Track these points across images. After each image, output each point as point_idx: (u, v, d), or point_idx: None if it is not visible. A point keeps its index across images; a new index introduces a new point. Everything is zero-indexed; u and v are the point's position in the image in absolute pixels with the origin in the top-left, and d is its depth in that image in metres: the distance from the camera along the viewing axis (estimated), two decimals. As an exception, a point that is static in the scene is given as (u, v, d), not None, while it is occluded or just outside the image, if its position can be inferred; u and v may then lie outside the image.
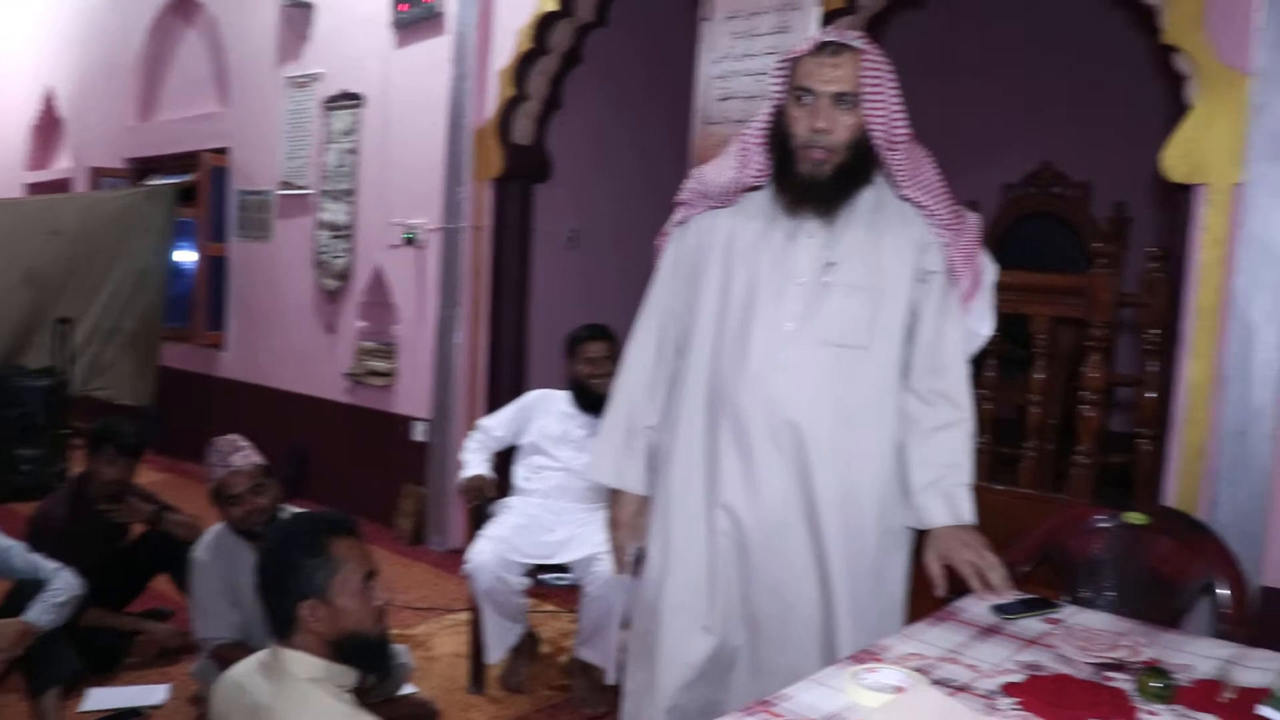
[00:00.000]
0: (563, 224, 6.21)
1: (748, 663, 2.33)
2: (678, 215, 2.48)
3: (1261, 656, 1.85)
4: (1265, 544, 3.23)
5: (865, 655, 1.76)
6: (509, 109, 5.42)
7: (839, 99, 2.18)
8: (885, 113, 2.19)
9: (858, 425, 2.26)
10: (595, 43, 5.58)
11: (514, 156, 5.50)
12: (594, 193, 6.38)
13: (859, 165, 2.24)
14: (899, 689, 1.58)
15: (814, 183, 2.22)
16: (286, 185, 6.79)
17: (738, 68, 4.12)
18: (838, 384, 2.25)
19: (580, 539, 3.70)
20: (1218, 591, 2.58)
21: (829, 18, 4.00)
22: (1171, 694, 1.61)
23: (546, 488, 3.90)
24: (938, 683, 1.64)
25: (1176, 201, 3.74)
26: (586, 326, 4.04)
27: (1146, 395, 3.90)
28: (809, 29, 3.94)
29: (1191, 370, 3.40)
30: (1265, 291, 3.24)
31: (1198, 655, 1.85)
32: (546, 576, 3.76)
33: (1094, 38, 6.42)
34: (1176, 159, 3.41)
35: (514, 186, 5.64)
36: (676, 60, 5.05)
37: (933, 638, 1.88)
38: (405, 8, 5.90)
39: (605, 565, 3.45)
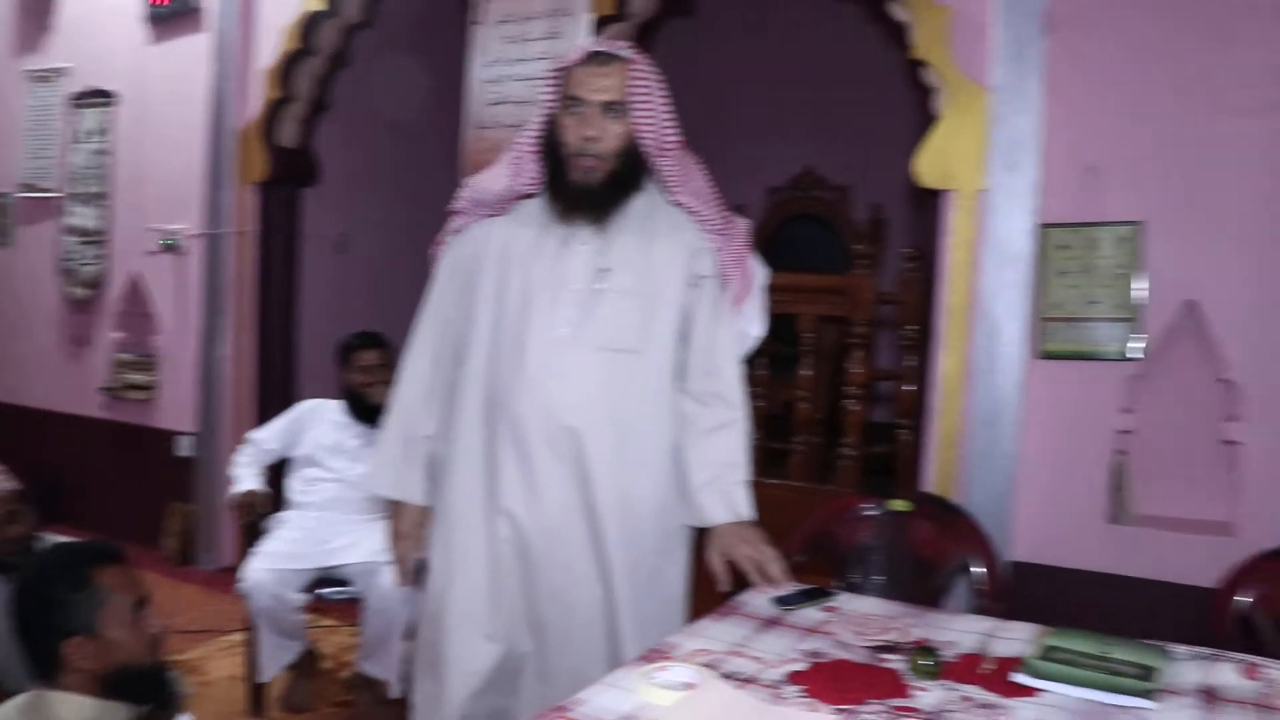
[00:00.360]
0: (331, 229, 6.05)
1: (535, 668, 2.35)
2: (453, 223, 2.48)
3: (1016, 628, 2.01)
4: (1014, 523, 3.50)
5: (655, 654, 1.81)
6: (274, 110, 5.24)
7: (608, 108, 2.23)
8: (654, 121, 2.26)
9: (634, 428, 2.32)
10: (363, 44, 5.48)
11: (280, 159, 5.32)
12: (364, 197, 6.24)
13: (630, 172, 2.29)
14: (690, 685, 1.63)
15: (585, 190, 2.26)
16: (28, 188, 6.33)
17: (509, 72, 4.13)
18: (613, 388, 2.29)
19: (359, 550, 3.63)
20: (973, 570, 2.78)
21: (600, 25, 4.06)
22: (939, 670, 1.73)
23: (322, 500, 3.80)
24: (726, 676, 1.70)
25: (928, 205, 3.99)
26: (359, 334, 3.97)
27: (905, 388, 4.15)
28: (580, 36, 3.99)
29: (945, 364, 3.64)
30: (1007, 290, 3.50)
31: (960, 631, 1.99)
32: (325, 591, 3.67)
33: (852, 49, 6.75)
34: (927, 166, 3.65)
35: (280, 190, 5.46)
36: (447, 63, 5.02)
37: (718, 633, 1.95)
38: (160, 1, 5.61)
39: (386, 577, 3.40)
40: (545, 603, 2.31)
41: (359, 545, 3.64)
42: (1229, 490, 3.42)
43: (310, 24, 5.03)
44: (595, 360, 2.28)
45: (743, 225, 2.44)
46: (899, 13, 3.72)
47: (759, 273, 2.48)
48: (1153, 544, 3.41)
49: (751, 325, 2.48)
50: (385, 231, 6.30)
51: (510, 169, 2.35)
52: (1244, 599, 2.41)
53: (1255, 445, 3.35)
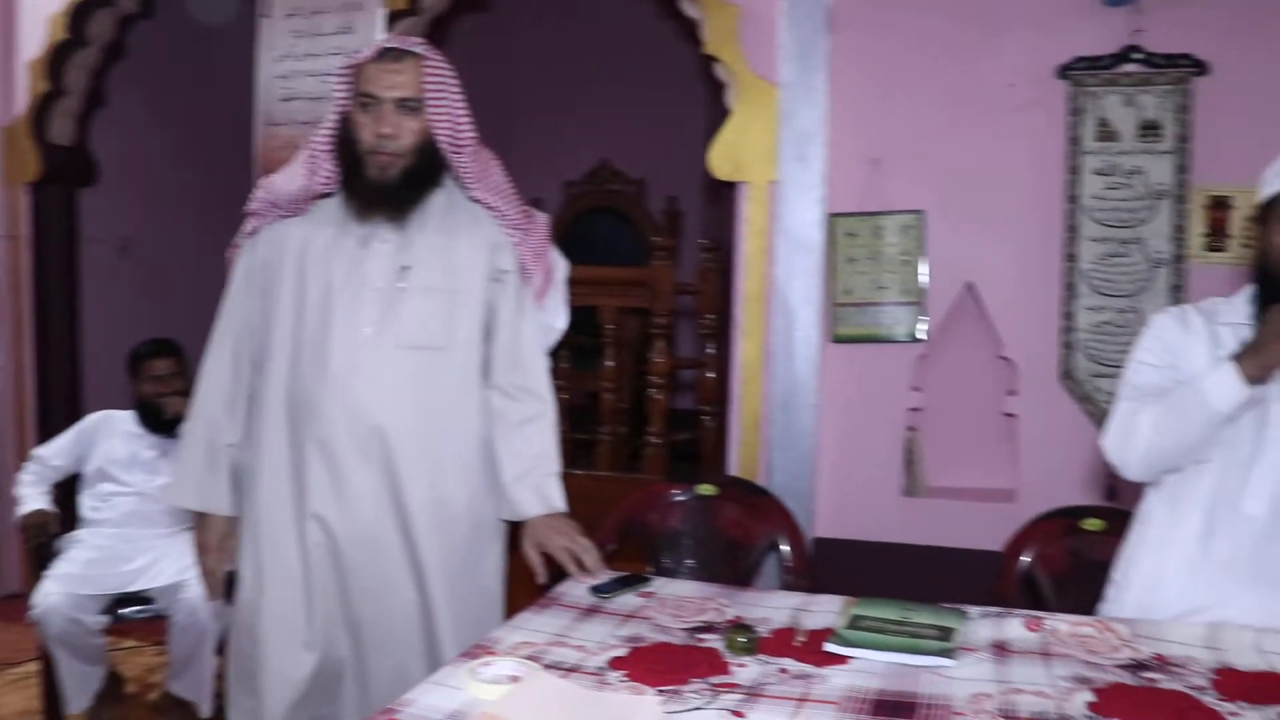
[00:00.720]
0: (113, 232, 5.73)
1: (354, 672, 2.31)
2: (248, 226, 2.40)
3: (824, 601, 2.10)
4: (815, 501, 3.65)
5: (478, 649, 1.81)
6: (43, 105, 4.91)
7: (403, 104, 2.21)
8: (449, 117, 2.25)
9: (441, 425, 2.30)
10: (142, 35, 5.21)
11: (52, 158, 4.99)
12: (149, 197, 5.94)
13: (426, 169, 2.27)
14: (515, 678, 1.64)
15: (382, 187, 2.23)
16: None
17: (301, 67, 4.02)
18: (419, 386, 2.27)
19: (162, 566, 3.47)
20: (781, 548, 2.88)
21: (393, 19, 4.00)
22: (755, 646, 1.79)
23: (118, 516, 3.61)
24: (550, 667, 1.72)
25: (723, 197, 4.10)
26: (149, 342, 3.79)
27: (707, 375, 4.26)
28: (373, 29, 3.92)
29: (744, 350, 3.76)
30: (800, 278, 3.64)
31: (772, 608, 2.06)
32: (126, 610, 3.49)
33: (647, 44, 6.84)
34: (720, 158, 3.75)
35: (54, 191, 5.12)
36: (235, 57, 4.83)
37: (539, 624, 1.96)
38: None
39: (193, 591, 3.27)
40: (361, 605, 2.27)
41: (161, 562, 3.48)
42: (1010, 460, 3.67)
43: (80, 12, 4.73)
44: (400, 358, 2.25)
45: (542, 219, 2.46)
46: (690, 10, 3.81)
47: (560, 266, 2.50)
48: (944, 513, 3.63)
49: (555, 318, 2.50)
50: (174, 234, 6.01)
51: (305, 168, 2.29)
52: (1025, 559, 2.59)
53: (1028, 417, 3.60)
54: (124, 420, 3.73)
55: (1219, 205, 3.44)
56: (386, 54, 2.22)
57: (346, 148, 2.24)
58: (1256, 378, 1.90)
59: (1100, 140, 3.50)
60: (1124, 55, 3.47)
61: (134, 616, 3.50)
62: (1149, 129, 3.46)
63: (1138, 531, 2.20)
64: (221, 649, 3.43)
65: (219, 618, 3.26)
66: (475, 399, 2.34)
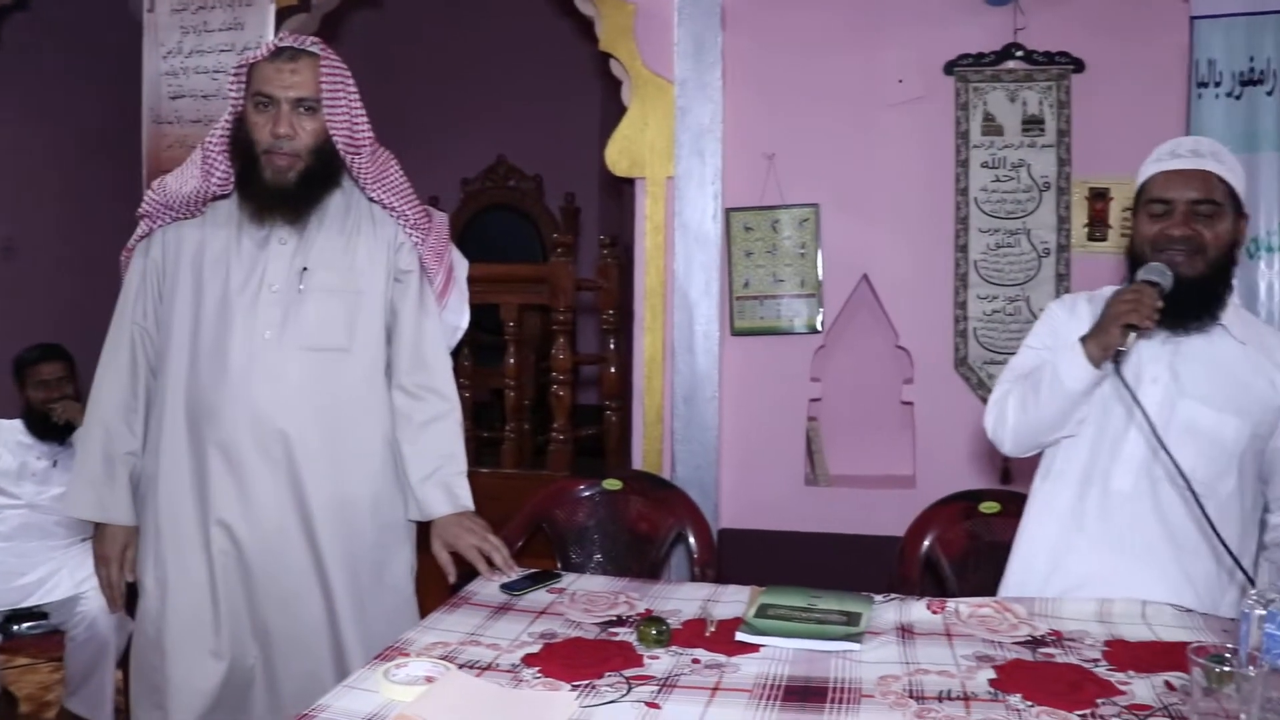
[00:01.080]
0: (-5, 231, 5.53)
1: (264, 679, 2.27)
2: (140, 229, 2.34)
3: (732, 590, 2.14)
4: (719, 492, 3.69)
5: (392, 651, 1.80)
6: (-91, 103, 4.73)
7: (299, 104, 2.18)
8: (347, 117, 2.23)
9: (345, 427, 2.29)
10: (15, 28, 5.02)
11: (-80, 158, 4.81)
12: (29, 197, 5.72)
13: (324, 170, 2.25)
14: (430, 679, 1.64)
15: (279, 189, 2.20)
16: None
17: (190, 64, 3.91)
18: (321, 388, 2.25)
19: (58, 580, 3.37)
20: (688, 540, 2.91)
21: (282, 15, 3.92)
22: (668, 638, 1.81)
23: (9, 529, 3.50)
24: (464, 666, 1.71)
25: (621, 193, 4.12)
26: (36, 347, 3.67)
27: (609, 371, 4.28)
28: (264, 26, 3.84)
29: (645, 345, 3.79)
30: (699, 272, 3.68)
31: (682, 599, 2.09)
32: (19, 627, 3.38)
33: (543, 41, 6.82)
34: (617, 155, 3.77)
35: (-76, 192, 4.94)
36: (120, 53, 4.68)
37: (451, 624, 1.96)
38: None
39: (92, 604, 3.18)
40: (269, 611, 2.24)
41: (57, 575, 3.37)
42: (908, 447, 3.76)
43: (-54, 7, 4.56)
44: (301, 361, 2.23)
45: (441, 219, 2.45)
46: (585, 8, 3.81)
47: (460, 265, 2.50)
48: (846, 501, 3.70)
49: (458, 317, 2.49)
50: (59, 234, 5.80)
51: (200, 170, 2.25)
52: (926, 543, 2.66)
53: (925, 404, 3.69)
54: (12, 429, 3.61)
55: (1098, 197, 3.58)
56: (282, 53, 2.19)
57: (242, 149, 2.21)
58: (1099, 358, 2.01)
59: (986, 134, 3.61)
60: (1006, 53, 3.58)
61: (28, 633, 3.39)
62: (1032, 124, 3.58)
63: (1026, 511, 2.30)
64: (122, 663, 3.35)
65: (119, 630, 3.18)
66: (379, 400, 2.33)
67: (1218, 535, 1.89)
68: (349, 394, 2.28)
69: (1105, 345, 1.99)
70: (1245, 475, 2.08)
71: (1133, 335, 1.97)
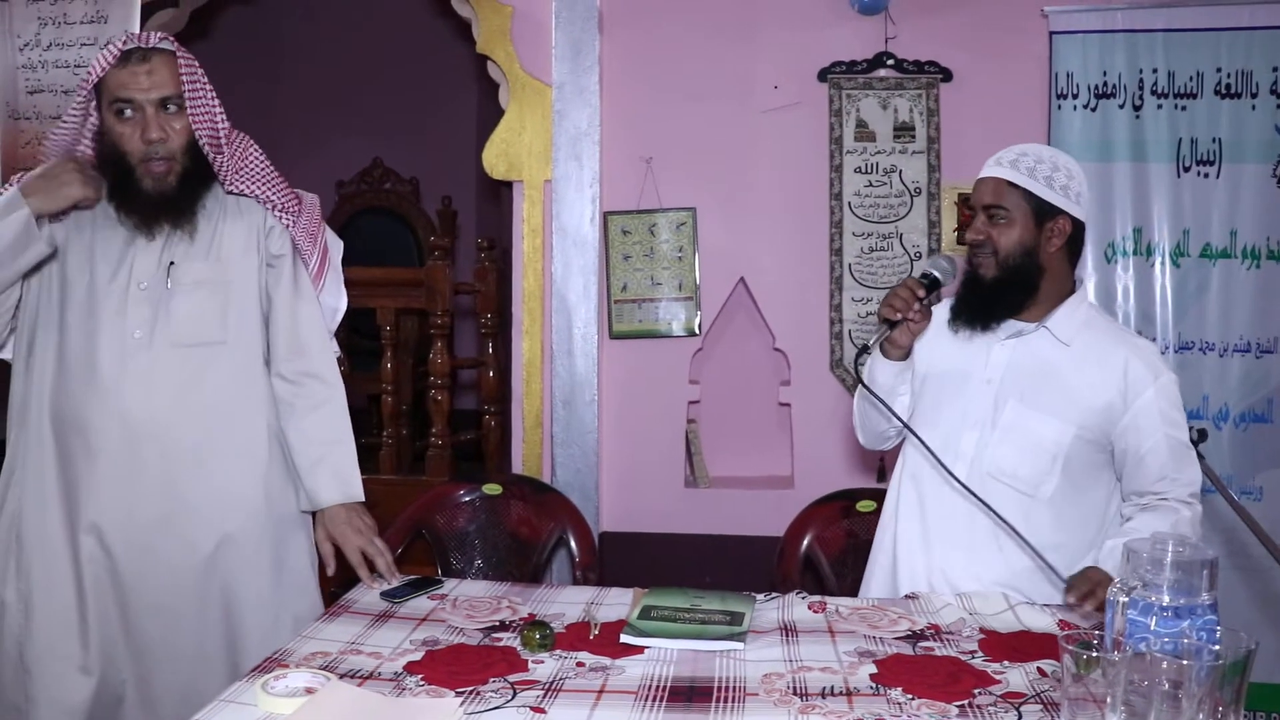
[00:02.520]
0: None
1: (138, 695, 2.18)
2: None
3: (615, 593, 2.13)
4: (600, 495, 3.69)
5: (271, 663, 1.75)
6: None
7: (164, 104, 2.11)
8: (208, 111, 2.16)
9: (225, 422, 2.21)
10: None
11: None
12: None
13: (198, 167, 2.18)
14: (309, 690, 1.60)
15: (161, 196, 2.13)
16: None
17: (49, 58, 3.74)
18: (197, 384, 2.18)
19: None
20: (569, 543, 2.90)
21: (149, 10, 3.79)
22: (552, 641, 1.80)
23: None
24: (345, 676, 1.68)
25: (499, 196, 4.09)
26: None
27: (488, 375, 4.24)
28: (129, 20, 3.69)
29: (524, 349, 3.77)
30: (577, 275, 3.68)
31: (566, 603, 2.08)
32: None
33: (420, 42, 6.73)
34: (495, 158, 3.74)
35: None
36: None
37: (331, 633, 1.91)
38: None
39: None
40: (145, 621, 2.14)
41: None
42: (786, 448, 3.81)
43: None
44: (175, 358, 2.15)
45: (311, 200, 2.38)
46: (463, 9, 3.77)
47: (335, 246, 2.43)
48: (726, 502, 3.74)
49: (335, 299, 2.42)
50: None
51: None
52: (805, 542, 2.70)
53: (802, 406, 3.75)
54: None
55: (967, 202, 3.67)
56: (132, 55, 2.10)
57: (110, 161, 2.12)
58: (892, 354, 2.21)
59: (859, 140, 3.68)
60: (878, 61, 3.66)
61: None
62: (903, 130, 3.67)
63: (883, 510, 2.38)
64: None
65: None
66: (260, 390, 2.26)
67: (1012, 529, 2.05)
68: (227, 388, 2.21)
69: (894, 340, 2.18)
70: (1074, 476, 2.14)
71: (885, 328, 2.14)
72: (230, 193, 2.25)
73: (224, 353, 2.21)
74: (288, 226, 2.28)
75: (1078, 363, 2.14)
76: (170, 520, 2.14)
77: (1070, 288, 2.20)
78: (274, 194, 2.26)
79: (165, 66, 2.11)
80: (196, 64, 2.16)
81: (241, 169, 2.23)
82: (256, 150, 2.28)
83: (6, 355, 2.26)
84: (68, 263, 2.17)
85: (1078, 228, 2.16)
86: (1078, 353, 2.14)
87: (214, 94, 2.17)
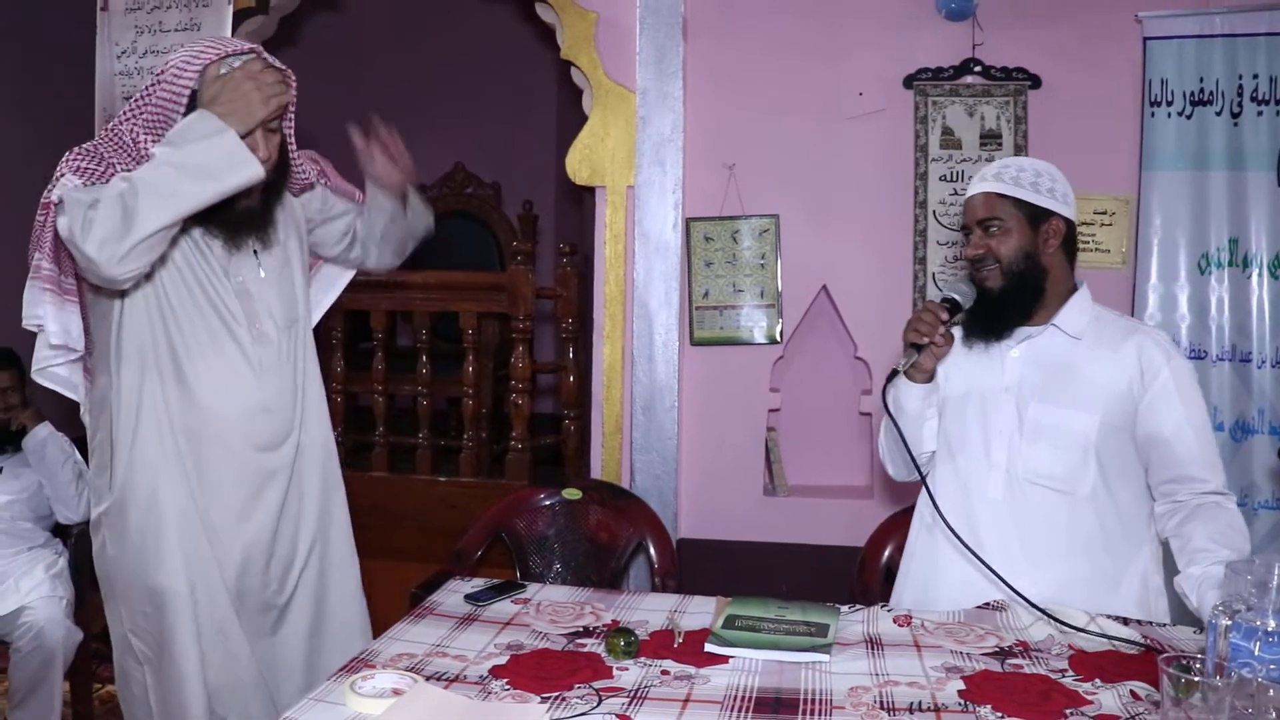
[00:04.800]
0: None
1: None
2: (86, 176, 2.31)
3: (698, 602, 2.13)
4: (678, 502, 3.69)
5: (358, 663, 1.78)
6: None
7: (267, 122, 2.15)
8: (291, 126, 2.29)
9: (315, 390, 2.39)
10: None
11: None
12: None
13: (278, 180, 2.27)
14: (396, 691, 1.62)
15: (249, 213, 2.20)
16: None
17: (144, 64, 3.85)
18: (297, 361, 2.33)
19: (4, 590, 3.27)
20: (648, 550, 2.91)
21: (240, 16, 3.87)
22: (636, 649, 1.81)
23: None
24: (431, 678, 1.70)
25: (581, 201, 4.11)
26: (-14, 353, 3.60)
27: (568, 380, 4.26)
28: (222, 27, 3.79)
29: (605, 354, 3.78)
30: (659, 281, 3.68)
31: (649, 610, 2.08)
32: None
33: (502, 47, 6.78)
34: (578, 163, 3.76)
35: None
36: (75, 50, 4.59)
37: (416, 635, 1.94)
38: None
39: (38, 614, 3.11)
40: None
41: (4, 585, 3.27)
42: (866, 458, 3.78)
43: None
44: (278, 341, 2.30)
45: (311, 153, 2.48)
46: (547, 15, 3.80)
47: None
48: (805, 511, 3.71)
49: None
50: (5, 238, 5.65)
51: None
52: (886, 553, 2.68)
53: (880, 415, 3.71)
54: None
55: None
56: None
57: None
58: (917, 378, 2.24)
59: (945, 148, 3.64)
60: (965, 67, 3.61)
61: (-29, 644, 3.30)
62: (989, 138, 3.62)
63: (913, 526, 2.39)
64: (70, 674, 3.28)
65: (67, 640, 3.12)
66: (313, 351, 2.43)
67: (966, 545, 2.09)
68: (311, 358, 2.41)
69: (917, 363, 2.20)
70: (1108, 469, 2.14)
71: (913, 352, 2.16)
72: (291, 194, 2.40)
73: (300, 329, 2.36)
74: (325, 185, 2.46)
75: (1091, 353, 2.16)
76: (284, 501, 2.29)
77: (1072, 287, 2.22)
78: (307, 176, 2.42)
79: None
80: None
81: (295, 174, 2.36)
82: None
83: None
84: (162, 266, 2.18)
85: (1070, 227, 2.19)
86: (1089, 344, 2.17)
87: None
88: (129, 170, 2.02)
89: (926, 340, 2.16)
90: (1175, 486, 2.11)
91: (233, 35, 3.80)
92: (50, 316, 2.17)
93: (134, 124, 2.11)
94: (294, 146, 2.29)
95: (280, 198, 2.29)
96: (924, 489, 2.26)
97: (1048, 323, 2.19)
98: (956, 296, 2.20)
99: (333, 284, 2.66)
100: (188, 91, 2.08)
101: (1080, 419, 2.13)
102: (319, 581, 2.35)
